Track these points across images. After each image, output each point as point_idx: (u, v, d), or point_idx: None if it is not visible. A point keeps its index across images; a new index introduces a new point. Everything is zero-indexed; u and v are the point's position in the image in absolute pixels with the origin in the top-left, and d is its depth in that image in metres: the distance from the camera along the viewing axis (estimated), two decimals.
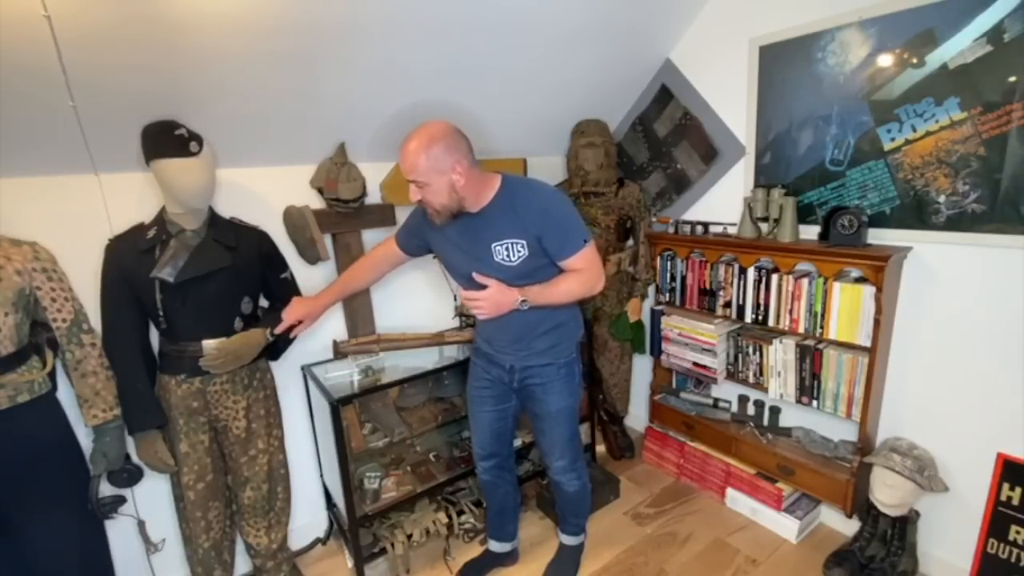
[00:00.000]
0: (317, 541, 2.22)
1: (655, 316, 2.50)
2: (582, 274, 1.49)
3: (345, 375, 1.99)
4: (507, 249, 1.47)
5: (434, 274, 2.40)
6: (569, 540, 1.98)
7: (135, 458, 1.60)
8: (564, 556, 2.00)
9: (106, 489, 1.57)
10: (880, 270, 1.68)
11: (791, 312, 1.95)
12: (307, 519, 2.22)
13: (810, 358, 1.96)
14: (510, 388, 1.74)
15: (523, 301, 1.47)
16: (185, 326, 1.57)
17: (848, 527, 2.07)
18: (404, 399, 2.21)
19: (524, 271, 1.49)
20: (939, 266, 1.72)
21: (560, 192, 1.55)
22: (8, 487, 1.36)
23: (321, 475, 2.22)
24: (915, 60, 1.65)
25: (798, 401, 2.02)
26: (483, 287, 1.49)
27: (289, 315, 1.67)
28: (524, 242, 1.46)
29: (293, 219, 1.91)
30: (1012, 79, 1.49)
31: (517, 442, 2.36)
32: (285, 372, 2.00)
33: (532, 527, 2.27)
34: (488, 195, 1.47)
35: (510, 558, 2.07)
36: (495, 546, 2.03)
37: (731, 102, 2.18)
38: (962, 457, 1.76)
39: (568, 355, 1.68)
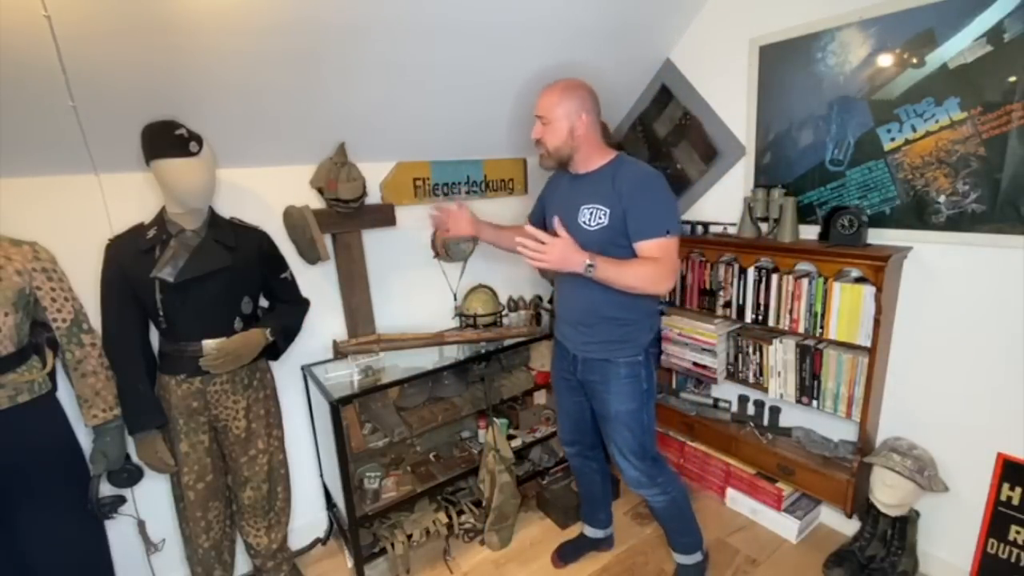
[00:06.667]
0: (317, 541, 2.22)
1: None
2: (655, 263, 1.45)
3: (345, 375, 1.98)
4: (591, 214, 1.52)
5: (434, 274, 2.40)
6: (681, 558, 1.88)
7: (135, 458, 1.61)
8: None
9: (106, 489, 1.57)
10: (880, 270, 1.67)
11: (791, 312, 1.95)
12: (307, 519, 2.22)
13: (810, 358, 1.95)
14: (577, 380, 1.73)
15: (590, 266, 1.41)
16: (185, 326, 1.57)
17: (848, 527, 2.07)
18: (404, 399, 2.21)
19: (598, 241, 1.50)
20: (939, 266, 1.72)
21: (664, 181, 1.52)
22: (8, 487, 1.37)
23: (321, 475, 2.22)
24: (915, 60, 1.65)
25: (798, 401, 2.02)
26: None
27: (459, 224, 1.75)
28: (607, 211, 1.49)
29: (293, 219, 1.91)
30: (1012, 79, 1.49)
31: (517, 442, 2.36)
32: (285, 372, 2.00)
33: (532, 527, 2.27)
34: (598, 163, 1.56)
35: (605, 543, 2.09)
36: (588, 531, 2.06)
37: (731, 102, 2.18)
38: (962, 457, 1.76)
39: (630, 356, 1.62)
